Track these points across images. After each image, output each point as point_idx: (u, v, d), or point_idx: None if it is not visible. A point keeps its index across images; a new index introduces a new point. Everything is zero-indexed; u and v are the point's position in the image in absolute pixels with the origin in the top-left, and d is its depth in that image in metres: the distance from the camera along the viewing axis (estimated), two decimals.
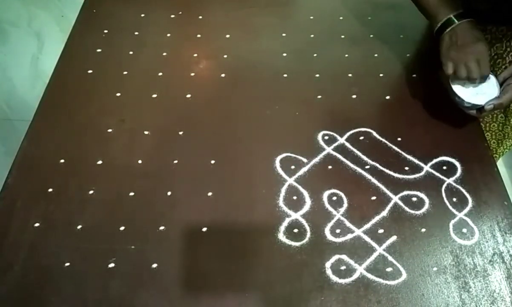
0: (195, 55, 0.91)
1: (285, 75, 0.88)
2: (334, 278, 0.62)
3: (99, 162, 0.73)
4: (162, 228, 0.66)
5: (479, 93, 0.74)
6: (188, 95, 0.83)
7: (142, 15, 0.97)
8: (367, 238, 0.67)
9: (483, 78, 0.74)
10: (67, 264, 0.62)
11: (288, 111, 0.82)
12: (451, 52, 0.74)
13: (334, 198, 0.71)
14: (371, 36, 0.96)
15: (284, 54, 0.92)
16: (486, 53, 0.73)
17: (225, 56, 0.91)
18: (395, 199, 0.71)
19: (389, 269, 0.64)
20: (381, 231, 0.67)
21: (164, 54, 0.90)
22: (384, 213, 0.69)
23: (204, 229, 0.66)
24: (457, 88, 0.75)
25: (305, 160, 0.75)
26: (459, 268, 0.64)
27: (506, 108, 0.90)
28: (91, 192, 0.69)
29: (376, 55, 0.93)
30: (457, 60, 0.74)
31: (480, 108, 0.74)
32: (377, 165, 0.75)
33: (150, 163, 0.73)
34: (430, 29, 0.97)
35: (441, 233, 0.68)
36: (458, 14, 0.75)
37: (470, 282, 0.63)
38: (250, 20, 0.98)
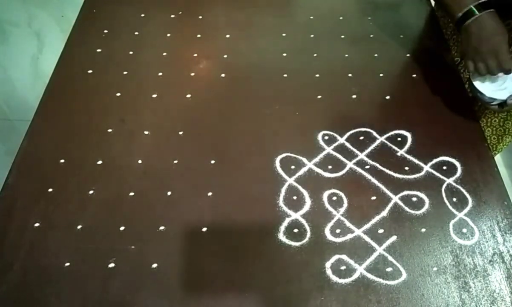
0: (195, 55, 0.91)
1: (285, 75, 0.88)
2: (334, 278, 0.62)
3: (99, 162, 0.73)
4: (162, 228, 0.66)
5: (500, 88, 0.75)
6: (188, 95, 0.83)
7: (142, 15, 0.97)
8: (367, 238, 0.67)
9: (507, 72, 0.74)
10: (67, 264, 0.62)
11: (288, 111, 0.82)
12: (470, 50, 0.74)
13: (334, 198, 0.71)
14: (371, 36, 0.96)
15: (284, 54, 0.92)
16: (504, 47, 0.73)
17: (225, 56, 0.91)
18: (395, 199, 0.71)
19: (389, 269, 0.64)
20: (381, 231, 0.67)
21: (164, 54, 0.90)
22: (384, 213, 0.69)
23: (204, 229, 0.66)
24: (478, 84, 0.75)
25: (305, 160, 0.75)
26: (459, 268, 0.64)
27: None
28: (91, 192, 0.69)
29: (376, 55, 0.93)
30: (476, 58, 0.74)
31: (501, 103, 0.75)
32: (377, 165, 0.75)
33: (150, 163, 0.73)
34: (430, 29, 0.98)
35: (441, 233, 0.68)
36: (479, 4, 0.74)
37: (470, 282, 0.63)
38: (250, 20, 0.98)
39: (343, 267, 0.64)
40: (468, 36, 0.74)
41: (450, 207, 0.70)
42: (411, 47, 0.94)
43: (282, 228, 0.67)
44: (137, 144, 0.76)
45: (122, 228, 0.66)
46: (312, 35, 0.96)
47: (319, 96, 0.85)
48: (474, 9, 0.73)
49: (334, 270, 0.63)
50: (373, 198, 0.71)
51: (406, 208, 0.70)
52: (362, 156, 0.76)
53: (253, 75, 0.88)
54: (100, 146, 0.75)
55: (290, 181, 0.72)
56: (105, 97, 0.82)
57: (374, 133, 0.79)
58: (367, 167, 0.75)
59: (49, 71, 0.85)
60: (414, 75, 0.89)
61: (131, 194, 0.69)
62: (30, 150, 0.74)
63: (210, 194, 0.70)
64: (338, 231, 0.67)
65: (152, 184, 0.71)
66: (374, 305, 0.61)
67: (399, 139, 0.78)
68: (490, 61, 0.73)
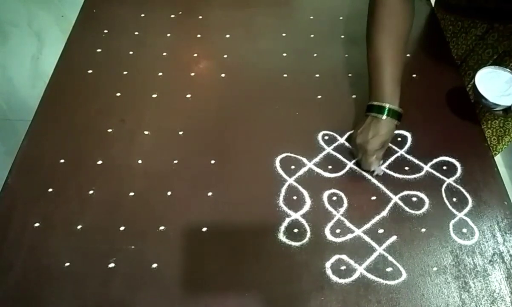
0: (195, 55, 0.91)
1: (285, 75, 0.88)
2: (334, 278, 0.62)
3: (99, 162, 0.73)
4: (162, 228, 0.66)
5: (504, 94, 0.75)
6: (188, 95, 0.83)
7: (142, 15, 0.97)
8: (367, 238, 0.67)
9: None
10: (67, 264, 0.62)
11: (288, 111, 0.82)
12: (358, 138, 0.72)
13: (334, 198, 0.71)
14: None
15: (284, 54, 0.92)
16: (369, 152, 0.71)
17: (225, 56, 0.91)
18: (395, 199, 0.71)
19: (389, 269, 0.64)
20: (381, 231, 0.67)
21: (164, 54, 0.90)
22: (384, 213, 0.69)
23: (204, 229, 0.66)
24: (482, 89, 0.75)
25: (305, 160, 0.75)
26: (459, 268, 0.64)
27: None
28: (91, 192, 0.69)
29: None
30: (359, 143, 0.72)
31: (506, 109, 0.74)
32: None
33: (150, 163, 0.73)
34: (430, 29, 0.98)
35: (441, 233, 0.68)
36: (395, 109, 0.71)
37: (470, 282, 0.63)
38: (250, 20, 0.98)
39: (343, 267, 0.64)
40: (369, 124, 0.72)
41: (450, 207, 0.70)
42: (411, 47, 0.94)
43: (282, 228, 0.67)
44: (137, 144, 0.76)
45: (122, 228, 0.66)
46: (312, 35, 0.96)
47: (319, 96, 0.85)
48: (387, 111, 0.70)
49: (334, 270, 0.63)
50: (373, 198, 0.71)
51: (406, 208, 0.70)
52: None
53: (253, 75, 0.88)
54: (100, 146, 0.75)
55: (290, 181, 0.72)
56: (105, 97, 0.82)
57: None
58: None
59: (49, 71, 0.85)
60: (414, 75, 0.89)
61: (131, 194, 0.69)
62: (30, 150, 0.74)
63: (210, 194, 0.70)
64: (338, 231, 0.67)
65: (152, 184, 0.71)
66: (374, 305, 0.61)
67: (399, 139, 0.78)
68: (360, 153, 0.73)
